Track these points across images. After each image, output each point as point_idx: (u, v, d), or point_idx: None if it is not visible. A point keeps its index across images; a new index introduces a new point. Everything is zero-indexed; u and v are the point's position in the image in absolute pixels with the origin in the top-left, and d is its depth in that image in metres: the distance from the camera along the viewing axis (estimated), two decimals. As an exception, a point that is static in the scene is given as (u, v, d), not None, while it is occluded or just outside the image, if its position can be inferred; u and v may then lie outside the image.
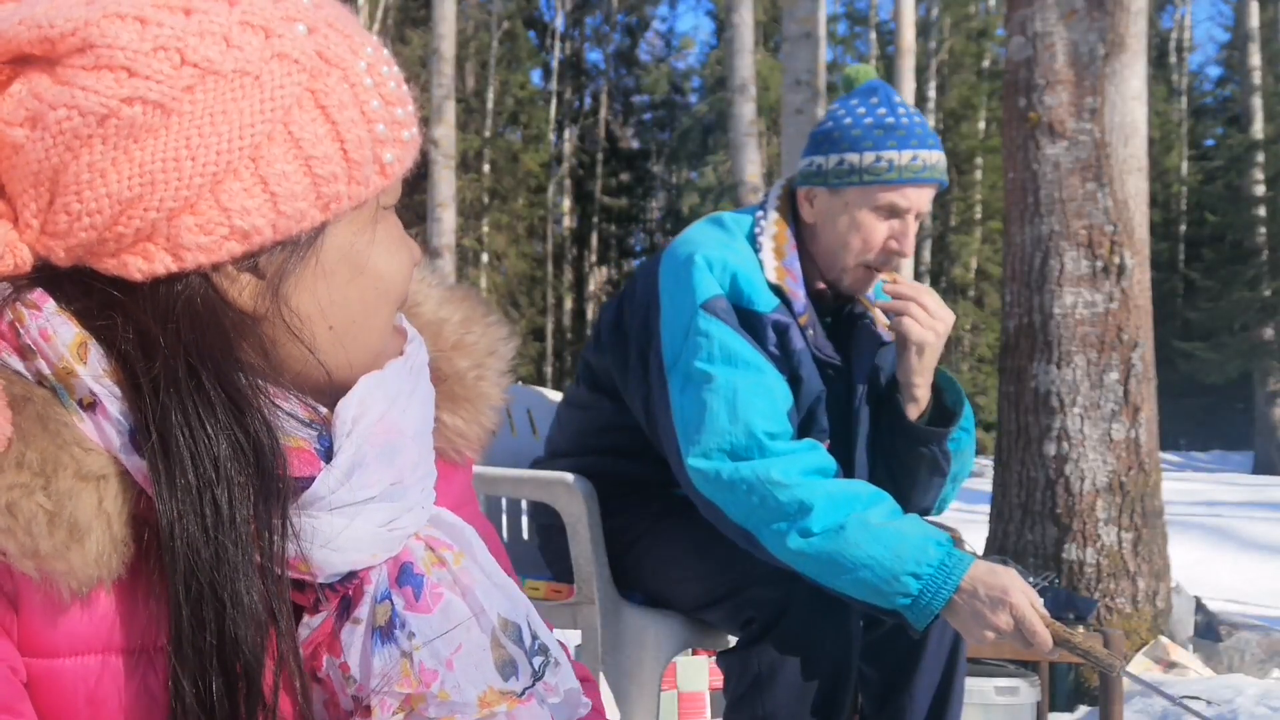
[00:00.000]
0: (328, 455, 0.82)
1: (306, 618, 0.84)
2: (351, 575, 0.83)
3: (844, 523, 1.84)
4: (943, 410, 2.14)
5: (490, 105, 24.54)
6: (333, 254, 0.82)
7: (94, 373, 0.77)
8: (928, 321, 2.06)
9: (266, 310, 0.81)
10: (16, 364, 0.77)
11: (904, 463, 2.15)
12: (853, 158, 2.05)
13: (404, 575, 0.85)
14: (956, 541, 1.92)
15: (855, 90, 2.13)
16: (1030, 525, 4.33)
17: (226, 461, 0.77)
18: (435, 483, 0.90)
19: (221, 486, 0.77)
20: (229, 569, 0.77)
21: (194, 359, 0.78)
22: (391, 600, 0.83)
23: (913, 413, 2.11)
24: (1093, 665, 1.86)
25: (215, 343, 0.79)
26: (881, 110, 2.06)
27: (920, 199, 2.07)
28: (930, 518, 2.11)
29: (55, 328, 0.77)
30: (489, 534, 1.05)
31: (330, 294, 0.83)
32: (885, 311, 2.13)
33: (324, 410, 0.85)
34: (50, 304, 0.78)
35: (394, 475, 0.84)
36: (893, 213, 2.06)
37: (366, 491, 0.82)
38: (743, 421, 1.92)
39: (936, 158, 2.07)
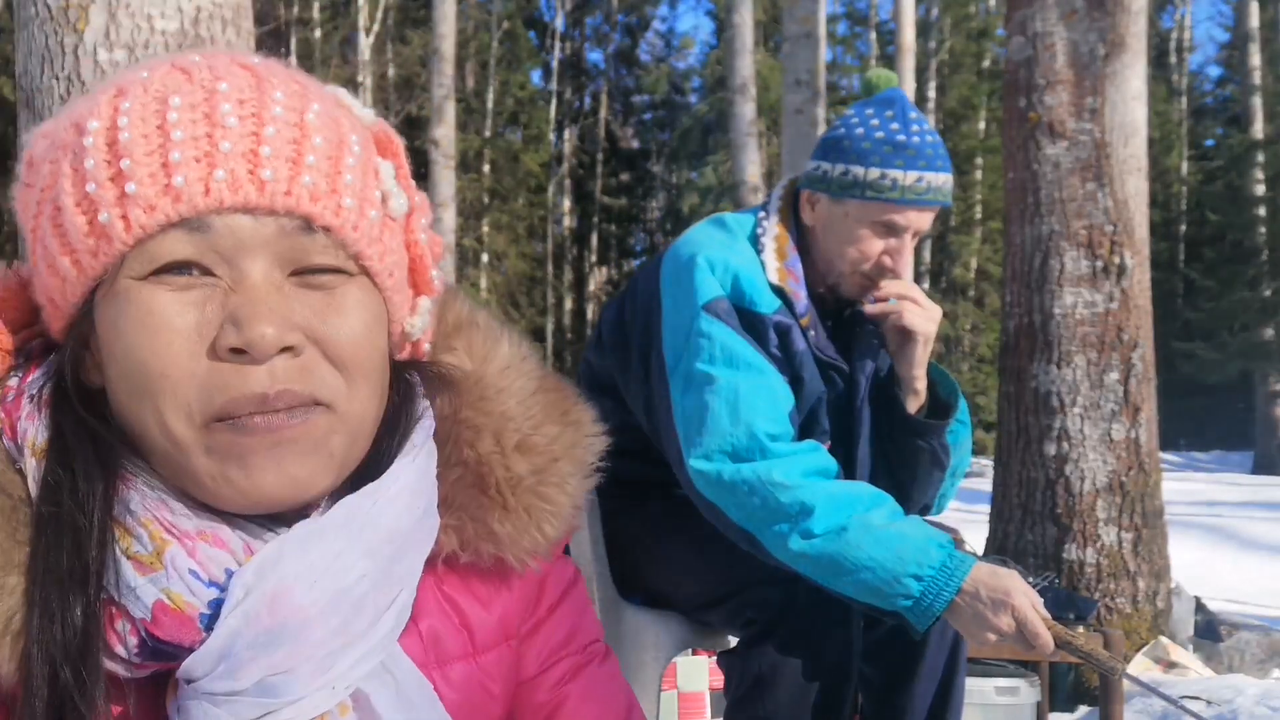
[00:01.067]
0: (211, 623, 0.76)
1: None
2: None
3: (845, 524, 1.85)
4: (937, 404, 2.16)
5: (490, 105, 24.53)
6: (100, 329, 0.79)
7: (34, 476, 0.78)
8: (926, 314, 2.09)
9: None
10: (10, 447, 0.80)
11: (904, 459, 2.16)
12: (858, 170, 2.05)
13: None
14: (958, 543, 1.92)
15: (873, 98, 2.12)
16: (1030, 525, 4.33)
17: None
18: (374, 648, 0.81)
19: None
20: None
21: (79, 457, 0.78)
22: None
23: (912, 406, 2.13)
24: (1094, 667, 1.86)
25: (88, 441, 0.78)
26: (894, 125, 2.05)
27: (920, 220, 2.07)
28: (931, 518, 2.12)
29: (31, 431, 0.79)
30: (584, 627, 0.98)
31: (107, 373, 0.79)
32: (880, 313, 2.13)
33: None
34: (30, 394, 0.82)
35: (273, 665, 0.75)
36: (890, 230, 2.07)
37: (230, 684, 0.75)
38: (744, 423, 1.92)
39: (943, 180, 2.06)
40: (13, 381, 0.82)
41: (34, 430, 0.79)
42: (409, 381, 0.89)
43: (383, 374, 0.83)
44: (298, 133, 0.77)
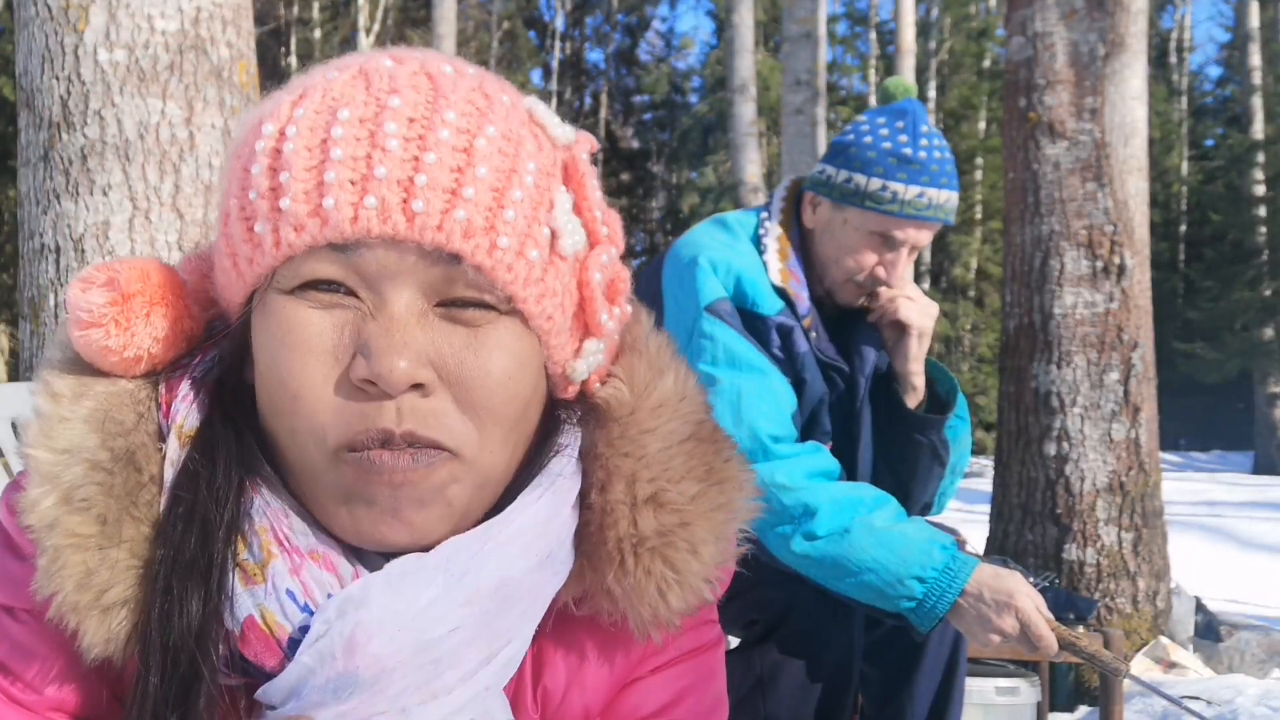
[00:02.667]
0: (296, 650, 0.73)
1: None
2: None
3: (849, 526, 1.85)
4: (936, 400, 2.17)
5: (490, 105, 24.48)
6: (254, 333, 0.77)
7: (172, 457, 0.77)
8: (922, 308, 2.10)
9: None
10: (163, 425, 0.79)
11: (905, 455, 2.16)
12: (860, 179, 2.05)
13: None
14: (960, 544, 1.92)
15: (888, 107, 2.12)
16: (1030, 525, 4.33)
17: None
18: (463, 706, 0.75)
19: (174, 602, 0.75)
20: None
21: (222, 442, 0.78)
22: None
23: (911, 402, 2.14)
24: (1098, 668, 1.86)
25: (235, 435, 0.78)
26: (903, 137, 2.05)
27: (919, 236, 2.07)
28: (932, 519, 2.12)
29: (182, 413, 0.78)
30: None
31: (256, 378, 0.77)
32: (877, 310, 2.14)
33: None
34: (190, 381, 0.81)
35: (342, 714, 0.72)
36: (887, 242, 2.07)
37: None
38: (747, 425, 1.92)
39: (945, 197, 2.05)
40: (185, 359, 0.81)
41: (185, 413, 0.78)
42: (557, 417, 0.82)
43: (523, 420, 0.77)
44: (462, 159, 0.71)
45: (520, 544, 0.76)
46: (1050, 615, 1.83)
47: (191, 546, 0.74)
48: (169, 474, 0.77)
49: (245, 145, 0.75)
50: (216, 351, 0.81)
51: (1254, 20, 18.98)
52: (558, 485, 0.79)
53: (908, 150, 2.03)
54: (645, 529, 0.80)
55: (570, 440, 0.81)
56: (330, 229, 0.70)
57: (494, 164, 0.72)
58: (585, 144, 0.80)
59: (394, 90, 0.73)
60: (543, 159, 0.76)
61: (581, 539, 0.80)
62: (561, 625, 0.82)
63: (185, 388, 0.79)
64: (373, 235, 0.70)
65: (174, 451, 0.77)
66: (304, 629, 0.73)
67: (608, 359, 0.84)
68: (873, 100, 21.94)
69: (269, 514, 0.75)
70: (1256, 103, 18.68)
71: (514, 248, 0.72)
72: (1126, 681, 3.06)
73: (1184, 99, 26.09)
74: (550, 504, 0.78)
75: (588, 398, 0.83)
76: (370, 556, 0.76)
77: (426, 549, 0.75)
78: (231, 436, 0.77)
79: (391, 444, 0.72)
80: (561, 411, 0.83)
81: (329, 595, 0.73)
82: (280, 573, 0.74)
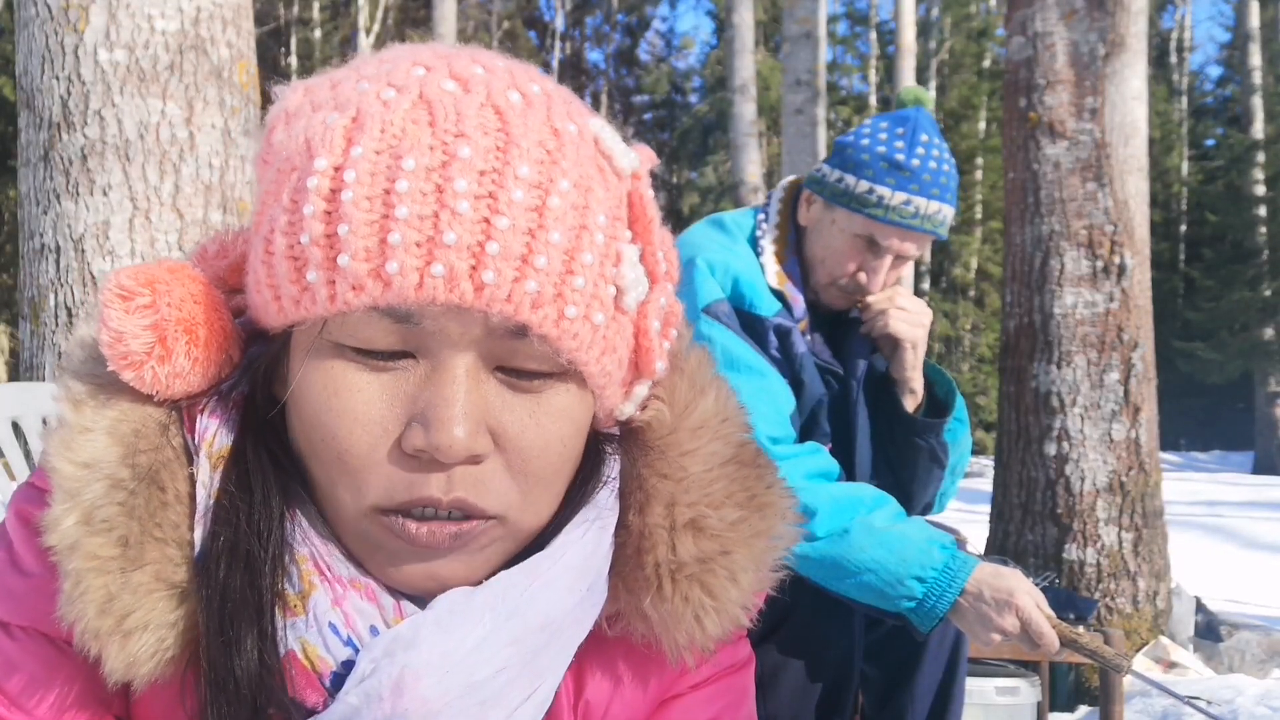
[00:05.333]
0: (339, 687, 0.71)
1: None
2: None
3: (848, 526, 1.85)
4: (935, 402, 2.17)
5: (490, 105, 24.49)
6: (292, 363, 0.73)
7: (203, 479, 0.74)
8: (912, 319, 2.09)
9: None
10: (190, 443, 0.75)
11: (904, 457, 2.16)
12: (850, 180, 2.05)
13: None
14: (960, 544, 1.92)
15: (895, 113, 2.12)
16: (1031, 525, 4.33)
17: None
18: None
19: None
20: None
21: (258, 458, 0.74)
22: None
23: (910, 405, 2.14)
24: (1101, 665, 1.86)
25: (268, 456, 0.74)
26: (899, 144, 2.04)
27: (903, 245, 2.06)
28: (932, 518, 2.12)
29: (211, 430, 0.75)
30: None
31: (291, 409, 0.73)
32: (869, 322, 2.13)
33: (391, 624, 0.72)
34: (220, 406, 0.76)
35: None
36: (870, 247, 2.06)
37: None
38: (746, 425, 1.92)
39: (935, 209, 2.04)
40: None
41: (214, 431, 0.75)
42: (600, 447, 0.80)
43: (568, 474, 0.75)
44: (534, 222, 0.67)
45: (567, 580, 0.74)
46: (1051, 613, 1.83)
47: (238, 584, 0.71)
48: (201, 496, 0.74)
49: (291, 167, 0.70)
50: (243, 362, 0.78)
51: (1254, 20, 18.99)
52: (601, 520, 0.77)
53: (900, 156, 2.03)
54: (684, 555, 0.77)
55: (609, 475, 0.79)
56: (392, 294, 0.66)
57: (566, 225, 0.68)
58: (647, 164, 0.76)
59: (461, 134, 0.67)
60: (610, 202, 0.72)
61: (617, 560, 0.78)
62: (596, 644, 0.80)
63: (212, 403, 0.76)
64: (437, 304, 0.66)
65: (205, 473, 0.74)
66: (347, 664, 0.71)
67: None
68: (873, 100, 21.96)
69: (311, 542, 0.73)
70: (1256, 103, 18.69)
71: (580, 314, 0.69)
72: (1127, 681, 3.06)
73: (1184, 99, 26.10)
74: (596, 537, 0.76)
75: (628, 420, 0.81)
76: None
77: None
78: (267, 462, 0.74)
79: (435, 507, 0.70)
80: (605, 444, 0.80)
81: (371, 627, 0.72)
82: (322, 604, 0.72)
